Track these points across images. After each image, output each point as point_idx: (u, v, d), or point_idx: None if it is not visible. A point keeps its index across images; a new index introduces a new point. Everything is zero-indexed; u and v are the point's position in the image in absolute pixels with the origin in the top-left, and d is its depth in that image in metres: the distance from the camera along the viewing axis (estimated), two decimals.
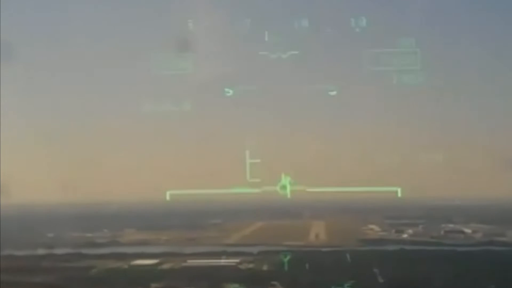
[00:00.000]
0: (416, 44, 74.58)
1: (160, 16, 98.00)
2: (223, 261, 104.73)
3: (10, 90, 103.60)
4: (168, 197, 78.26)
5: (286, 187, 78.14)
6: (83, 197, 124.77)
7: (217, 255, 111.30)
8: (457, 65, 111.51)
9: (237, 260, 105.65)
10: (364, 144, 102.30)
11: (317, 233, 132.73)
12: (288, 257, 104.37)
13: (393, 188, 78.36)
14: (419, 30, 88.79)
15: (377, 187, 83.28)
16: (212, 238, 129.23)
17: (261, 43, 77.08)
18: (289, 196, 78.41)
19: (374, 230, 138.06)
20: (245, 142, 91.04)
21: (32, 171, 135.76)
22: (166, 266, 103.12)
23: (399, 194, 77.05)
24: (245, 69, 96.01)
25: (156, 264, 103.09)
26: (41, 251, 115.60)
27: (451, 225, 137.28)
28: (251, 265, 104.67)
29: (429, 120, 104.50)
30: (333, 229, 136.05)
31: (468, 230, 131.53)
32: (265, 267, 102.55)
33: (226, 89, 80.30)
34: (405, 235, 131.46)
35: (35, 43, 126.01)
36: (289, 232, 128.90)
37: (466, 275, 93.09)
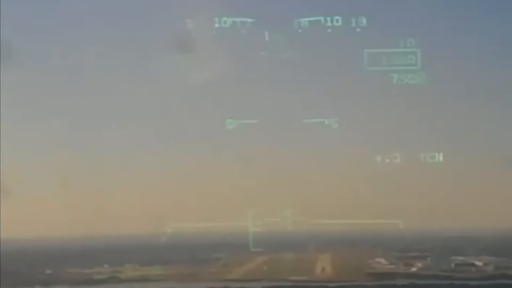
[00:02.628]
0: (416, 44, 73.06)
1: (160, 16, 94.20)
2: None
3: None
4: (169, 231, 70.69)
5: (288, 218, 71.08)
6: (83, 231, 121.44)
7: None
8: (457, 65, 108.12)
9: None
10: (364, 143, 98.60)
11: (323, 267, 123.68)
12: None
13: (395, 220, 75.96)
14: (419, 29, 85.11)
15: (378, 220, 76.19)
16: (214, 274, 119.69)
17: (261, 43, 74.97)
18: (290, 228, 77.66)
19: (381, 263, 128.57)
20: (245, 175, 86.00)
21: (30, 205, 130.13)
22: None
23: (400, 226, 76.34)
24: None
25: None
26: None
27: (460, 258, 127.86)
28: None
29: (429, 120, 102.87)
30: (339, 263, 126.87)
31: (479, 263, 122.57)
32: None
33: (228, 121, 77.75)
34: (414, 269, 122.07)
35: (36, 44, 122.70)
36: (294, 266, 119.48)
37: None
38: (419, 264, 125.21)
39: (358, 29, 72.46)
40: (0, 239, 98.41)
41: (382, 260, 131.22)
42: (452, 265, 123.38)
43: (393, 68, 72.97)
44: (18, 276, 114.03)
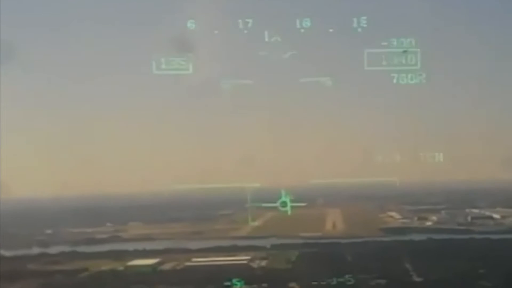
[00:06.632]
0: (416, 44, 67.37)
1: (159, 16, 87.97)
2: (232, 259, 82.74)
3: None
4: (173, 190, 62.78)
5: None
6: (86, 190, 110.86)
7: (226, 250, 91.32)
8: (457, 65, 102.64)
9: (248, 257, 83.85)
10: (365, 144, 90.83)
11: (334, 222, 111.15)
12: (305, 252, 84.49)
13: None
14: (419, 30, 78.65)
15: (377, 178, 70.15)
16: (220, 231, 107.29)
17: (261, 43, 67.93)
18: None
19: (394, 217, 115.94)
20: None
21: (30, 164, 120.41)
22: (167, 266, 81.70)
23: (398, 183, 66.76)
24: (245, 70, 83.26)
25: (156, 265, 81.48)
26: (33, 250, 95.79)
27: (475, 210, 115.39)
28: (264, 262, 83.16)
29: (428, 119, 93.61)
30: (350, 218, 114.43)
31: (496, 216, 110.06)
32: (280, 265, 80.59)
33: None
34: (429, 223, 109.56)
35: (36, 43, 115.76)
36: (305, 222, 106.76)
37: (507, 266, 73.37)
38: (434, 218, 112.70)
39: (358, 29, 65.46)
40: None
41: (394, 214, 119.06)
42: (469, 218, 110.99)
43: (393, 68, 66.01)
44: (15, 237, 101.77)
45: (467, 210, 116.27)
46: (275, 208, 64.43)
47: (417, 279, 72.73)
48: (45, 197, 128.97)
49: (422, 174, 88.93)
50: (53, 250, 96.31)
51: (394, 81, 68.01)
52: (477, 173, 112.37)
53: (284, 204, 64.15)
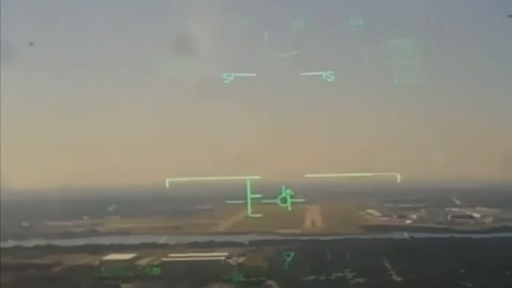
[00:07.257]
0: (416, 44, 71.42)
1: (160, 16, 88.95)
2: (209, 255, 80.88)
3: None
4: (167, 185, 61.28)
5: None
6: (63, 183, 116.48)
7: (204, 246, 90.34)
8: (457, 65, 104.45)
9: (226, 254, 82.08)
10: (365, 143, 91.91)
11: (313, 220, 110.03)
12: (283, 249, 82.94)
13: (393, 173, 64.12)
14: (419, 30, 79.35)
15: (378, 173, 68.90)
16: (199, 226, 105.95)
17: (261, 43, 71.90)
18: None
19: (374, 215, 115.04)
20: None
21: (12, 158, 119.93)
22: (143, 261, 79.06)
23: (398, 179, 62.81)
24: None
25: (132, 260, 79.03)
26: (8, 243, 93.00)
27: (455, 209, 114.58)
28: (241, 259, 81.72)
29: (428, 118, 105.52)
30: (330, 215, 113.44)
31: (476, 215, 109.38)
32: (257, 262, 79.15)
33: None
34: (408, 221, 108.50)
35: (36, 43, 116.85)
36: (284, 218, 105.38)
37: (488, 266, 71.92)
38: (414, 216, 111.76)
39: (358, 29, 68.50)
40: None
41: (374, 211, 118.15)
42: (449, 217, 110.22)
43: (393, 68, 69.50)
44: None
45: (447, 209, 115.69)
46: (275, 204, 63.71)
47: (396, 278, 71.42)
48: (24, 189, 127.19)
49: (422, 172, 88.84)
50: (29, 243, 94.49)
51: (394, 81, 68.47)
52: (476, 172, 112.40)
53: (284, 200, 63.42)
